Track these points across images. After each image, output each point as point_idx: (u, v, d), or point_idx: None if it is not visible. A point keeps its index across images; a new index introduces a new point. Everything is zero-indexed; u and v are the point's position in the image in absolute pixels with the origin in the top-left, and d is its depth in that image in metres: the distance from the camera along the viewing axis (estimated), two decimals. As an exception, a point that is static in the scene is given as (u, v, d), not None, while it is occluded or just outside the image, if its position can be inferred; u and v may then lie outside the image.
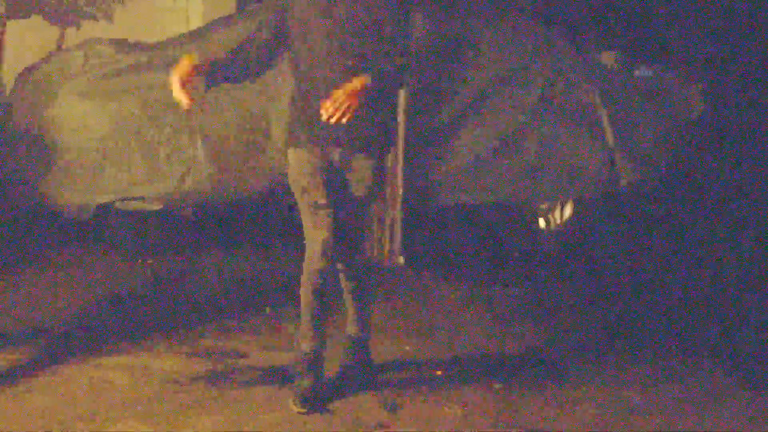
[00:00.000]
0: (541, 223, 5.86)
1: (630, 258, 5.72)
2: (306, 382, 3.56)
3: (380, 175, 3.63)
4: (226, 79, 3.59)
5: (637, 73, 6.81)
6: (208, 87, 3.55)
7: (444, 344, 4.32)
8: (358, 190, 3.54)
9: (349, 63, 3.38)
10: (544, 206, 5.85)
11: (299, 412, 3.46)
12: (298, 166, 3.56)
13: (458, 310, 4.85)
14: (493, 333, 4.50)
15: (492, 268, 5.50)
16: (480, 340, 4.39)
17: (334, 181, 3.53)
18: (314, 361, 3.61)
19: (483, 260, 5.57)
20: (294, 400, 3.51)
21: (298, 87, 3.57)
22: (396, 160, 5.43)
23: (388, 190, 5.47)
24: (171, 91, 3.36)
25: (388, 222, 5.51)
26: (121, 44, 5.65)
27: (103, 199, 5.44)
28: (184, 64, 3.37)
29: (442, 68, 5.67)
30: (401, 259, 5.54)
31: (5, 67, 6.16)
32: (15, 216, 5.45)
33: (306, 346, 3.62)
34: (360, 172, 3.52)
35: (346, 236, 3.57)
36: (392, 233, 5.51)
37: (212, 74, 3.50)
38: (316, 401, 3.52)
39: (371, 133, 3.48)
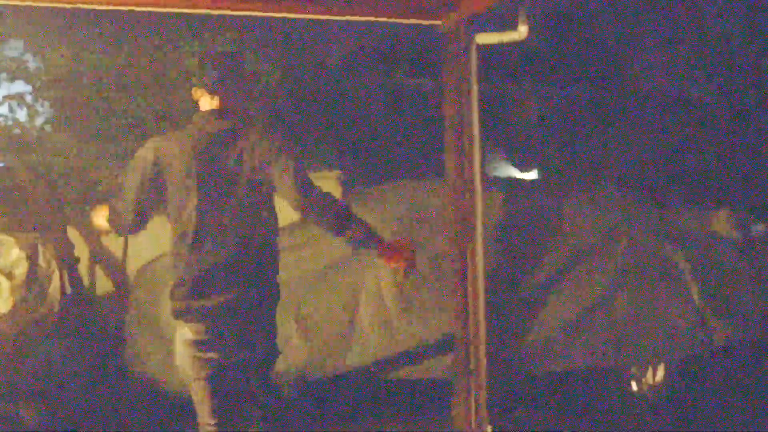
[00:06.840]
0: (633, 386, 5.83)
1: (726, 422, 5.53)
2: None
3: None
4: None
5: (753, 229, 6.83)
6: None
7: None
8: None
9: None
10: (635, 369, 5.84)
11: None
12: None
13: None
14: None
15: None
16: None
17: None
18: None
19: (575, 428, 5.57)
20: None
21: None
22: (478, 328, 5.64)
23: (473, 360, 5.65)
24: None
25: (473, 391, 5.65)
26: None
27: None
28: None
29: (525, 240, 5.96)
30: (489, 429, 5.62)
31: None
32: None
33: None
34: None
35: None
36: (477, 402, 5.63)
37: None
38: None
39: None
